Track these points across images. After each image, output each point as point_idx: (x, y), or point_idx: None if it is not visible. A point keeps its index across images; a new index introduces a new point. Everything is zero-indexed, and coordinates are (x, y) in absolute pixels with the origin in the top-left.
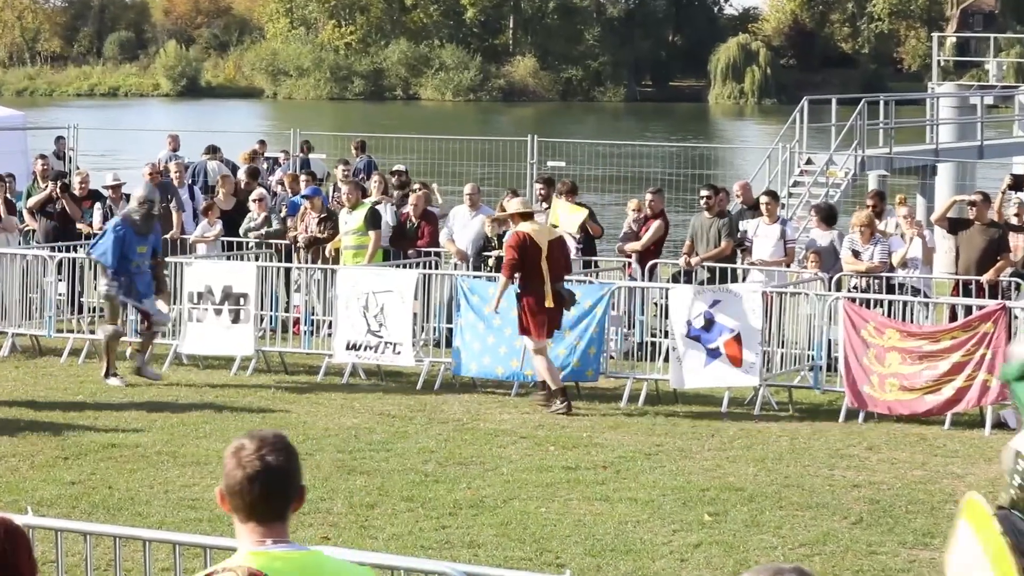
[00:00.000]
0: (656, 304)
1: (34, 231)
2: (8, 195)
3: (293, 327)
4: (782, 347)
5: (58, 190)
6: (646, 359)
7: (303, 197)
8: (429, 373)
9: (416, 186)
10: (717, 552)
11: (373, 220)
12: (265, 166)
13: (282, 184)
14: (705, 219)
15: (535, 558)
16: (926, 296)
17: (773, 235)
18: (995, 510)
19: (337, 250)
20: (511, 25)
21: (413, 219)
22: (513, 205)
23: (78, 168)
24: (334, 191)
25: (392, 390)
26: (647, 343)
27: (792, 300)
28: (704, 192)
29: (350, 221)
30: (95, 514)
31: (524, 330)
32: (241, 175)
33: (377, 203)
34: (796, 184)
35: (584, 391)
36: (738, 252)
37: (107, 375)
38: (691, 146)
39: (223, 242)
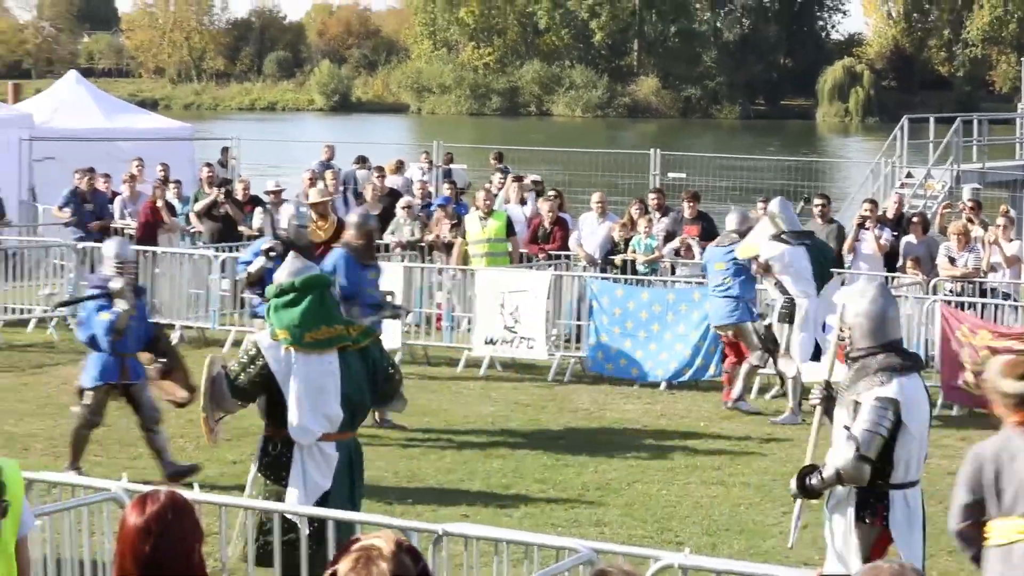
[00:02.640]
0: (767, 304)
1: (200, 233)
2: (177, 199)
3: (436, 323)
4: None
5: (222, 195)
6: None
7: (437, 205)
8: (560, 366)
9: (552, 193)
10: (822, 532)
11: (512, 227)
12: (421, 174)
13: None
14: (818, 226)
15: (656, 536)
16: (1015, 300)
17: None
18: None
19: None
20: (636, 48)
21: (546, 224)
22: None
23: (240, 175)
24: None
25: (526, 381)
26: None
27: None
28: (818, 201)
29: (487, 227)
30: None
31: None
32: (391, 182)
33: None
34: (894, 195)
35: (702, 384)
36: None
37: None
38: (801, 160)
39: None
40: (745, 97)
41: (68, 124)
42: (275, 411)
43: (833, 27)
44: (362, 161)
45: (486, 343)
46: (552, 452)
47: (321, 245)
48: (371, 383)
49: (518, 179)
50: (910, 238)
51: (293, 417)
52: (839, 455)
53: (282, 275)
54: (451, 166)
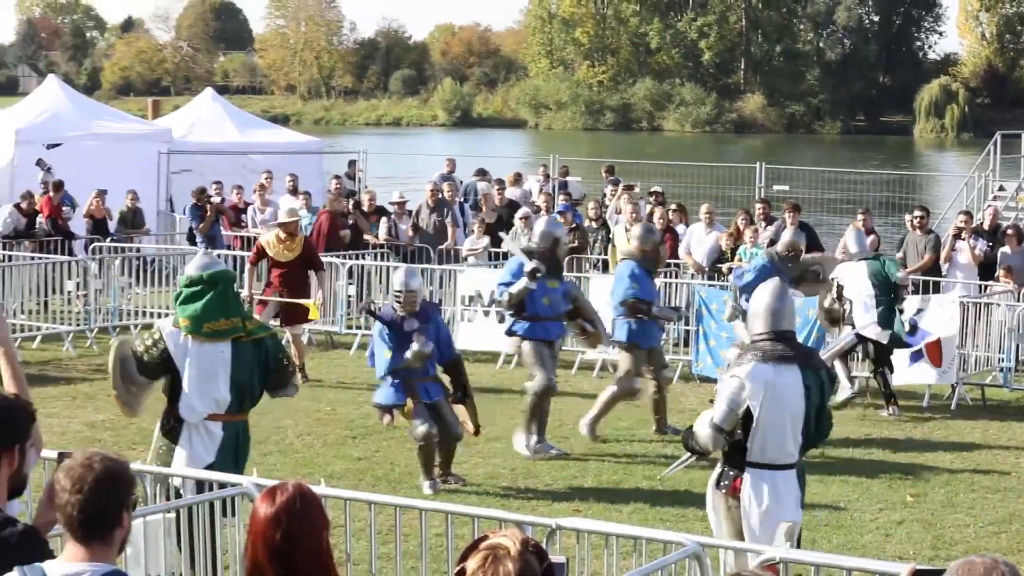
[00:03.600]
0: None
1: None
2: (307, 209)
3: None
4: (976, 350)
5: (350, 206)
6: (858, 359)
7: (558, 212)
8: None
9: (673, 206)
10: (917, 528)
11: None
12: (539, 187)
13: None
14: (917, 236)
15: None
16: None
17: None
18: None
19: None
20: (743, 67)
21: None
22: (282, 215)
23: (367, 187)
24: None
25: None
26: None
27: (985, 309)
28: (918, 212)
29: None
30: (378, 486)
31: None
32: (509, 194)
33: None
34: (989, 208)
35: None
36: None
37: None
38: (899, 174)
39: (489, 252)
40: (846, 113)
41: (204, 138)
42: (171, 390)
43: (930, 47)
44: (482, 174)
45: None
46: (661, 450)
47: (288, 264)
48: (262, 371)
49: (628, 188)
50: (1006, 248)
51: (183, 396)
52: (699, 422)
53: (191, 268)
54: (567, 179)
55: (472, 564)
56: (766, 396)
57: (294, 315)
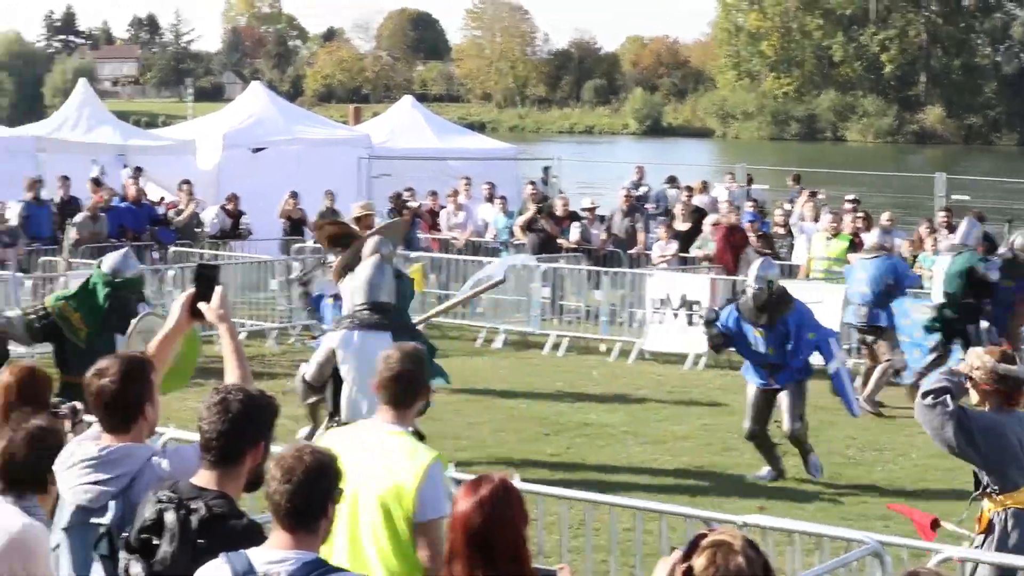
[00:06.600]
0: None
1: (524, 244)
2: (503, 214)
3: None
4: None
5: (536, 211)
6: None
7: (747, 222)
8: (853, 371)
9: (860, 215)
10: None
11: (854, 248)
12: (727, 194)
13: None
14: None
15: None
16: None
17: None
18: None
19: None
20: (923, 79)
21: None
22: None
23: (560, 192)
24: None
25: (821, 386)
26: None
27: None
28: None
29: (831, 246)
30: (570, 482)
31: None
32: (697, 200)
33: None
34: None
35: None
36: None
37: None
38: None
39: (680, 256)
40: (1022, 125)
41: (403, 144)
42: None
43: None
44: (671, 181)
45: None
46: (844, 451)
47: None
48: None
49: (812, 195)
50: None
51: None
52: (297, 375)
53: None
54: (752, 186)
55: (702, 561)
56: (356, 360)
57: None
